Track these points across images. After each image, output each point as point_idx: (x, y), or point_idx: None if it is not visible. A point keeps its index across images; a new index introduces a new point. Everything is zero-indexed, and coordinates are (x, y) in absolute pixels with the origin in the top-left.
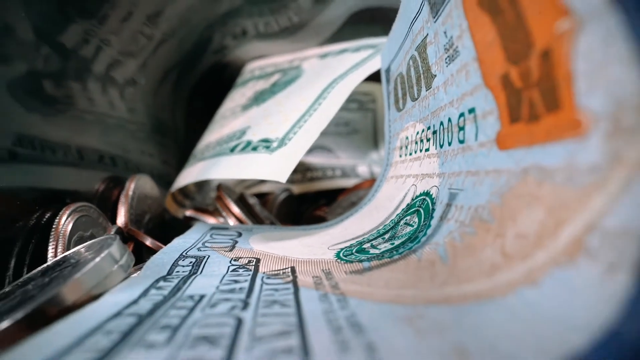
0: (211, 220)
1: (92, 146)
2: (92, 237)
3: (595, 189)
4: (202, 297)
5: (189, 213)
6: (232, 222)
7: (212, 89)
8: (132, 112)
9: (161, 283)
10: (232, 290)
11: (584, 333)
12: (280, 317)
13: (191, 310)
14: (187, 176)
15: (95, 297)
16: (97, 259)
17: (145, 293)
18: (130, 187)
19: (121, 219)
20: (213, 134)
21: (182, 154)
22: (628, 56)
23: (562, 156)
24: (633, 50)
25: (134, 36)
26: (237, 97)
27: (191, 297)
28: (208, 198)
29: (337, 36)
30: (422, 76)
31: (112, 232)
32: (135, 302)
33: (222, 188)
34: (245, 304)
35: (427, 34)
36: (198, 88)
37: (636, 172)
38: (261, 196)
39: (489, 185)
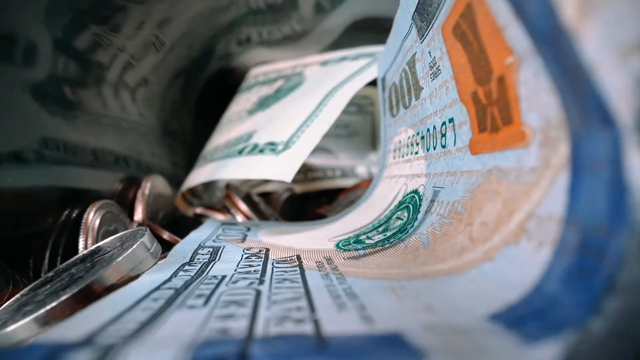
0: (220, 217)
1: (108, 148)
2: (115, 231)
3: (533, 186)
4: (223, 276)
5: (199, 210)
6: (240, 218)
7: (218, 93)
8: (143, 116)
9: (186, 267)
10: (248, 272)
11: (517, 290)
12: (291, 289)
13: (217, 285)
14: (198, 176)
15: (132, 279)
16: (134, 247)
17: (175, 274)
18: (147, 186)
19: (139, 215)
20: (221, 137)
21: (190, 156)
22: (550, 87)
23: (514, 160)
24: (552, 83)
25: (145, 44)
26: (242, 102)
27: (215, 276)
28: (214, 197)
29: (338, 43)
30: (412, 87)
31: (134, 227)
32: (169, 280)
33: (230, 187)
34: (261, 281)
35: (416, 52)
36: (205, 92)
37: (558, 173)
38: (265, 195)
39: (463, 184)
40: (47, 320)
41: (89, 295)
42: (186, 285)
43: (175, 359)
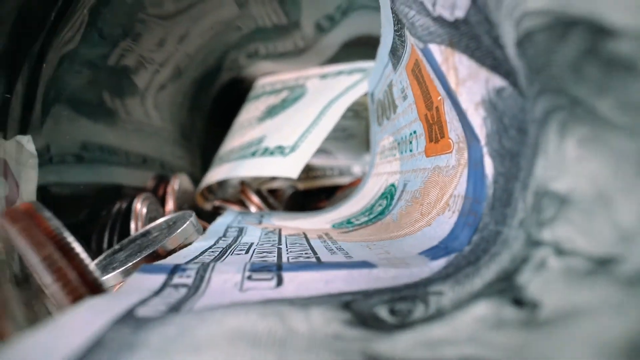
0: (235, 208)
1: (136, 150)
2: (156, 218)
3: (453, 177)
4: (252, 243)
5: (217, 203)
6: (253, 209)
7: (228, 100)
8: (164, 121)
9: (222, 239)
10: (268, 240)
11: (438, 239)
12: (300, 246)
13: (249, 246)
14: (216, 175)
15: (185, 246)
16: (185, 224)
17: (216, 242)
18: (175, 182)
19: (170, 206)
20: (234, 141)
21: (204, 157)
22: (456, 117)
23: (445, 161)
24: (456, 115)
25: (168, 56)
26: (252, 110)
27: (245, 243)
28: (227, 193)
29: (335, 57)
30: (391, 105)
31: (176, 213)
32: (214, 244)
33: (245, 184)
34: (279, 243)
35: (392, 79)
36: (216, 99)
37: (464, 169)
38: (272, 192)
39: (420, 177)
40: (130, 272)
41: (156, 257)
42: (227, 247)
43: (240, 267)
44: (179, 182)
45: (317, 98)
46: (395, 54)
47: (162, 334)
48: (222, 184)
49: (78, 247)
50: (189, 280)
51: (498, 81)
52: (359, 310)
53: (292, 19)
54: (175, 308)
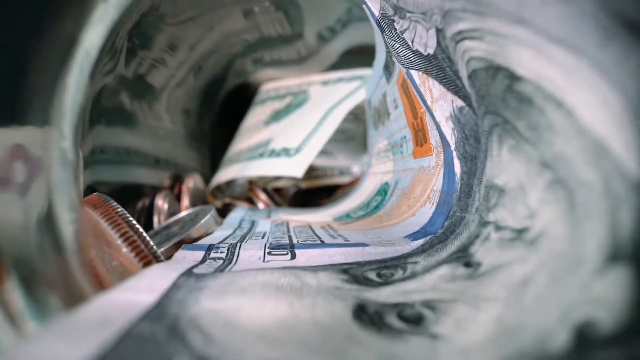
0: (244, 205)
1: (152, 152)
2: (174, 213)
3: (433, 175)
4: (265, 232)
5: (227, 200)
6: (261, 206)
7: (235, 104)
8: (175, 124)
9: (238, 229)
10: (278, 230)
11: (420, 225)
12: (306, 233)
13: (264, 234)
14: (226, 174)
15: (207, 234)
16: (207, 217)
17: (234, 231)
18: (190, 181)
19: (185, 202)
20: (242, 143)
21: (212, 158)
22: (434, 127)
23: (427, 161)
24: (434, 125)
25: (180, 62)
26: (258, 114)
27: (259, 232)
28: (234, 192)
29: (336, 64)
30: (385, 112)
31: (195, 209)
32: (233, 233)
33: (253, 183)
34: (288, 232)
35: (386, 90)
36: (224, 104)
37: (441, 169)
38: (277, 190)
39: (409, 176)
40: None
41: (182, 244)
42: (244, 235)
43: (261, 246)
44: (193, 181)
45: (319, 104)
46: (388, 69)
47: (217, 282)
48: (230, 183)
49: (140, 227)
50: (222, 255)
51: (459, 102)
52: (354, 274)
53: (296, 30)
54: (218, 271)
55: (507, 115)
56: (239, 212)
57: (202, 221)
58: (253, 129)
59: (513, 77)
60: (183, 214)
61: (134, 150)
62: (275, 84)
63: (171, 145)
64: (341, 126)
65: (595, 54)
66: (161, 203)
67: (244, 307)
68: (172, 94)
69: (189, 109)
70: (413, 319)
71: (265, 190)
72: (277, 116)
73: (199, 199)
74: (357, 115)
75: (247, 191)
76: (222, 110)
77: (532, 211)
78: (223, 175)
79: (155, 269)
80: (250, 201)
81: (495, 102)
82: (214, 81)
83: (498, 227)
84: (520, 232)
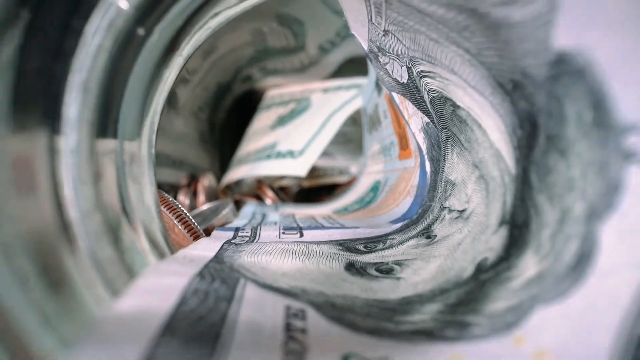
0: (253, 201)
1: (169, 153)
2: (192, 208)
3: (412, 173)
4: (276, 221)
5: (238, 197)
6: (268, 202)
7: (241, 109)
8: (188, 127)
9: (252, 220)
10: (286, 220)
11: (400, 212)
12: (310, 222)
13: (275, 222)
14: (236, 174)
15: (226, 223)
16: (227, 209)
17: (250, 221)
18: (205, 180)
19: (201, 199)
20: (250, 145)
21: (221, 159)
22: (412, 135)
23: (409, 163)
24: (413, 134)
25: (194, 69)
26: (263, 119)
27: (271, 221)
28: (243, 189)
29: (336, 73)
30: (377, 120)
31: (215, 203)
32: (249, 222)
33: (261, 181)
34: (295, 221)
35: (378, 102)
36: (231, 108)
37: (417, 169)
38: (281, 189)
39: (395, 175)
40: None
41: (208, 231)
42: (259, 223)
43: (276, 228)
44: (208, 180)
45: (320, 110)
46: (378, 85)
47: (250, 247)
48: (238, 181)
49: (188, 213)
50: (247, 234)
51: (426, 119)
52: (347, 246)
53: (299, 43)
54: (248, 243)
55: (454, 130)
56: (250, 207)
57: (224, 212)
58: (260, 132)
59: (455, 105)
60: (204, 207)
61: (157, 152)
62: (279, 90)
63: (185, 147)
64: (341, 129)
65: (489, 98)
66: (183, 198)
67: (271, 261)
68: (187, 99)
69: (201, 114)
70: (386, 271)
71: (271, 188)
72: (282, 121)
73: (212, 196)
74: (355, 120)
75: (256, 189)
76: (230, 114)
77: (468, 197)
78: (233, 174)
79: (205, 240)
80: (258, 198)
81: (446, 121)
82: (223, 88)
83: (450, 210)
84: (461, 212)
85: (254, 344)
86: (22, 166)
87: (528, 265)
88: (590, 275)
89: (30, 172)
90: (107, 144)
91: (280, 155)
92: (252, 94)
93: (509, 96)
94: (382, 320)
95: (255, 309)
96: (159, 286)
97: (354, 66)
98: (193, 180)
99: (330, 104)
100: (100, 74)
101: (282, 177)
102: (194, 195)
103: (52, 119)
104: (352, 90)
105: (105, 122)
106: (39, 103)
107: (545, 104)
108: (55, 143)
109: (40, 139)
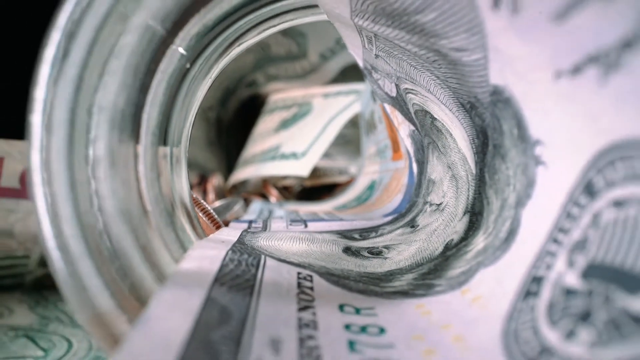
0: (258, 199)
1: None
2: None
3: (402, 174)
4: (282, 216)
5: (244, 195)
6: (273, 200)
7: (246, 112)
8: (197, 129)
9: (261, 215)
10: (292, 214)
11: (392, 207)
12: (313, 215)
13: (282, 217)
14: (242, 174)
15: (237, 218)
16: (238, 205)
17: (258, 216)
18: (214, 180)
19: (211, 197)
20: (255, 147)
21: (228, 160)
22: (402, 140)
23: (400, 164)
24: (401, 139)
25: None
26: (267, 122)
27: (278, 216)
28: (248, 189)
29: (336, 78)
30: (373, 124)
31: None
32: (258, 217)
33: (266, 181)
34: (300, 216)
35: (374, 108)
36: (237, 112)
37: (407, 170)
38: (284, 188)
39: (389, 175)
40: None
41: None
42: (267, 218)
43: (284, 221)
44: (217, 180)
45: (321, 114)
46: (374, 95)
47: (264, 235)
48: (244, 181)
49: (211, 208)
50: (260, 226)
51: (412, 127)
52: (345, 234)
53: (301, 51)
54: (261, 232)
55: (434, 137)
56: (257, 204)
57: (235, 208)
58: (264, 135)
59: (433, 117)
60: (217, 204)
61: None
62: (282, 95)
63: (195, 149)
64: (340, 132)
65: (455, 114)
66: (195, 195)
67: (282, 244)
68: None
69: (209, 117)
70: (376, 252)
71: (276, 187)
72: (285, 124)
73: (220, 194)
74: (354, 122)
75: (261, 188)
76: (235, 117)
77: (444, 193)
78: (240, 174)
79: (226, 229)
80: (263, 196)
81: (427, 129)
82: (229, 92)
83: (430, 204)
84: (438, 205)
85: (277, 294)
86: (125, 165)
87: (478, 242)
88: (513, 245)
89: (127, 169)
90: (164, 150)
91: (284, 156)
92: (256, 98)
93: (468, 114)
94: (370, 285)
95: (275, 273)
96: (206, 255)
97: (353, 72)
98: (203, 179)
99: (331, 108)
100: (160, 99)
101: (285, 177)
102: (204, 193)
103: (137, 133)
104: (350, 96)
105: (163, 134)
106: (134, 123)
107: (491, 121)
108: (136, 150)
109: (131, 147)
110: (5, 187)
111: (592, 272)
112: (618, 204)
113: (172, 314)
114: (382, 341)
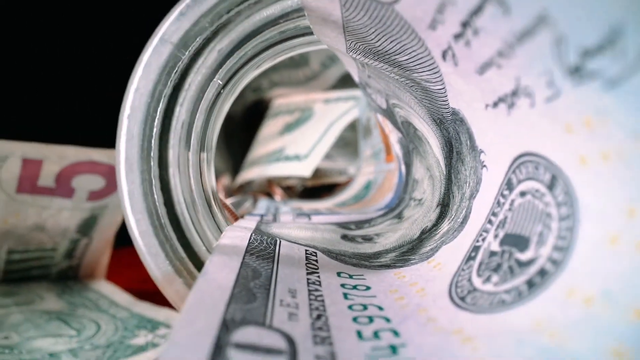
0: (264, 198)
1: None
2: None
3: (394, 175)
4: (288, 210)
5: (250, 194)
6: (278, 198)
7: (251, 116)
8: None
9: (268, 210)
10: (298, 209)
11: (385, 202)
12: (315, 211)
13: (288, 211)
14: (248, 174)
15: (248, 213)
16: (248, 203)
17: (266, 212)
18: (223, 179)
19: (221, 195)
20: (260, 150)
21: (234, 161)
22: (392, 144)
23: (391, 165)
24: (392, 144)
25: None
26: (271, 125)
27: (284, 210)
28: (254, 188)
29: (336, 85)
30: (369, 129)
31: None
32: (267, 211)
33: (271, 180)
34: (304, 212)
35: (370, 115)
36: (242, 115)
37: (397, 171)
38: (287, 187)
39: (383, 175)
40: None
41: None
42: (275, 212)
43: (291, 214)
44: (226, 179)
45: (322, 119)
46: (369, 104)
47: (275, 224)
48: (250, 181)
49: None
50: (270, 219)
51: (400, 134)
52: (343, 225)
53: (304, 59)
54: (273, 223)
55: (416, 144)
56: (264, 202)
57: (246, 205)
58: (269, 138)
59: (415, 128)
60: (229, 201)
61: None
62: (285, 100)
63: None
64: (340, 134)
65: (430, 126)
66: None
67: (291, 232)
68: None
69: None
70: (368, 239)
71: (280, 187)
72: (289, 128)
73: (229, 193)
74: (353, 126)
75: (266, 187)
76: (241, 121)
77: (424, 190)
78: (246, 175)
79: (243, 220)
80: (268, 195)
81: (411, 137)
82: (236, 97)
83: (414, 200)
84: (419, 200)
85: (290, 263)
86: (184, 168)
87: (444, 226)
88: (465, 226)
89: (186, 171)
90: (202, 155)
91: (288, 158)
92: (261, 102)
93: (438, 127)
94: (362, 261)
95: (288, 249)
96: (236, 235)
97: (351, 80)
98: None
99: (331, 114)
100: (203, 117)
101: (288, 177)
102: None
103: (189, 143)
104: (349, 102)
105: (202, 142)
106: (188, 136)
107: (454, 134)
108: (188, 156)
109: (186, 154)
110: (42, 185)
111: (505, 240)
112: (522, 193)
113: (222, 270)
114: (368, 294)
